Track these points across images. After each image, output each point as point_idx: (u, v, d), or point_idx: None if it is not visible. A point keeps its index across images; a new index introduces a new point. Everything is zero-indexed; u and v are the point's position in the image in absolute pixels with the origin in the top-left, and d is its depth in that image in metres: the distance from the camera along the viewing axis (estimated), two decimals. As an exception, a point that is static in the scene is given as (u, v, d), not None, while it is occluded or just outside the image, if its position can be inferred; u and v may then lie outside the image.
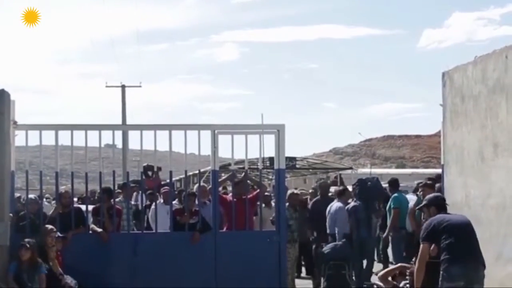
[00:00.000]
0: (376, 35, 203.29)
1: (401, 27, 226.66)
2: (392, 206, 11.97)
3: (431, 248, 7.07)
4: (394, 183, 12.74)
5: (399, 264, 8.09)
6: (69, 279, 9.13)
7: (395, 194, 12.30)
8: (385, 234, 12.53)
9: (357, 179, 13.40)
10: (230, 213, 10.09)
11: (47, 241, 9.10)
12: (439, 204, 7.50)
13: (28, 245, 8.71)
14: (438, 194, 8.44)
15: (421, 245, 7.18)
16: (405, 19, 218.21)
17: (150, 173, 12.68)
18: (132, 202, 11.84)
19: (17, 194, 11.88)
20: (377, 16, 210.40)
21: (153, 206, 11.17)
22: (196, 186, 11.31)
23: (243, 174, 11.19)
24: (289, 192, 11.63)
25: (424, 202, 7.75)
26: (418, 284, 7.08)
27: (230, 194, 11.03)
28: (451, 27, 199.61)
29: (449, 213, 7.51)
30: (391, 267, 8.42)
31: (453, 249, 6.94)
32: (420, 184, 11.42)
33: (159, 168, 13.44)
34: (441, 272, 6.96)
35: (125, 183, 11.39)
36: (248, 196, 10.26)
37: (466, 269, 6.92)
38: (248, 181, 11.12)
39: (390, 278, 7.88)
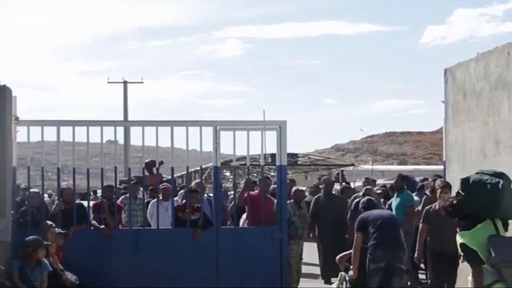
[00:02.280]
0: (379, 31, 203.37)
1: (404, 23, 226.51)
2: (407, 204, 11.48)
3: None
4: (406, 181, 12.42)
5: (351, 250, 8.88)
6: (69, 275, 9.14)
7: (407, 192, 12.13)
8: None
9: (360, 176, 13.28)
10: (256, 209, 10.10)
11: (47, 237, 9.10)
12: (369, 206, 9.22)
13: (43, 245, 8.74)
14: (369, 198, 9.83)
15: (355, 235, 8.82)
16: (408, 15, 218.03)
17: (154, 169, 12.71)
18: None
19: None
20: (380, 13, 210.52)
21: (151, 203, 11.15)
22: (195, 182, 11.29)
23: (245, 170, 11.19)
24: (294, 188, 11.64)
25: (361, 206, 9.33)
26: (355, 267, 8.67)
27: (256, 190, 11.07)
28: (454, 23, 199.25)
29: (376, 210, 9.29)
30: (347, 252, 9.08)
31: (376, 237, 8.53)
32: (440, 186, 10.47)
33: (161, 162, 13.45)
34: (367, 256, 8.54)
35: (129, 179, 11.39)
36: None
37: (387, 252, 8.46)
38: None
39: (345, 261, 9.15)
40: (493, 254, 5.57)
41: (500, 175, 5.96)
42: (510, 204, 5.84)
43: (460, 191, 6.10)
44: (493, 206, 5.77)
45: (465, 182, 6.04)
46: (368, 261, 8.56)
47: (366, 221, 8.77)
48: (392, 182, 13.11)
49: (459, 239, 5.88)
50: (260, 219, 10.12)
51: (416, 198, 11.88)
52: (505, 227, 5.85)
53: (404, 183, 12.04)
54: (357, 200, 11.59)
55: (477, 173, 6.02)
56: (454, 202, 6.12)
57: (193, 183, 11.14)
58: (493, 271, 5.62)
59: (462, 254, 5.90)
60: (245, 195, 10.58)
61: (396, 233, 8.71)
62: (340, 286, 8.88)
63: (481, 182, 5.89)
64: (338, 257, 9.24)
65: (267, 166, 24.92)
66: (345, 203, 12.63)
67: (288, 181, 11.59)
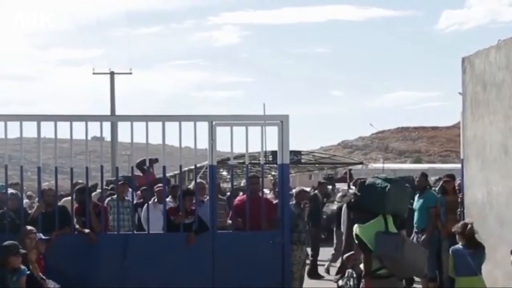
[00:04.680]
0: (390, 16, 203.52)
1: (418, 7, 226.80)
2: (430, 205, 11.54)
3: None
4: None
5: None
6: (51, 284, 9.12)
7: (431, 191, 12.08)
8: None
9: (370, 175, 13.28)
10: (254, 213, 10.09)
11: (26, 243, 9.08)
12: None
13: (18, 252, 8.70)
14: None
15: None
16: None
17: (146, 168, 12.72)
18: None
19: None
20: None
21: (145, 206, 11.14)
22: (195, 182, 11.27)
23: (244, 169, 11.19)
24: (297, 189, 11.62)
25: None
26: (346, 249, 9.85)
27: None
28: (473, 7, 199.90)
29: None
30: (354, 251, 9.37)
31: None
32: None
33: (155, 160, 13.41)
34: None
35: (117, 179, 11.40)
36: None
37: None
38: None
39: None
40: (377, 247, 7.45)
41: (391, 180, 7.77)
42: (396, 205, 7.68)
43: (357, 191, 8.48)
44: (380, 205, 7.61)
45: (361, 184, 8.27)
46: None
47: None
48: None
49: (355, 230, 7.73)
50: (259, 223, 10.10)
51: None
52: (395, 223, 7.71)
53: (427, 182, 12.08)
54: None
55: (372, 178, 7.89)
56: (353, 200, 8.30)
57: (193, 183, 11.10)
58: (379, 260, 7.50)
59: (356, 242, 7.77)
60: (236, 201, 10.62)
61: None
62: (348, 282, 9.16)
63: (373, 185, 7.74)
64: (345, 256, 9.40)
65: (267, 165, 24.98)
66: None
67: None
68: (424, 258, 7.68)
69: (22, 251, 8.77)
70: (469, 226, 8.70)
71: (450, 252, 8.92)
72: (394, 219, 7.77)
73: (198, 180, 11.64)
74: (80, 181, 10.92)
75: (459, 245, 8.75)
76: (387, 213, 7.72)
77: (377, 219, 7.69)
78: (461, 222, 9.10)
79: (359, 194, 8.14)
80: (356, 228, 7.78)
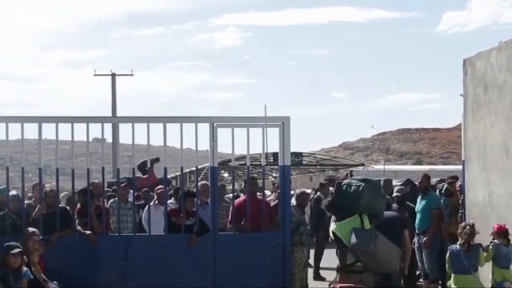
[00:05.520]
0: (392, 18, 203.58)
1: (419, 9, 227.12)
2: (433, 207, 11.46)
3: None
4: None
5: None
6: (53, 285, 9.14)
7: (433, 193, 12.06)
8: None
9: (371, 176, 13.29)
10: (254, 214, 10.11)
11: (28, 245, 9.08)
12: None
13: (17, 253, 8.69)
14: None
15: None
16: (424, 0, 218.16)
17: (147, 169, 12.71)
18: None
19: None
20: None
21: (146, 207, 11.14)
22: (200, 183, 11.26)
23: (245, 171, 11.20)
24: (298, 191, 11.62)
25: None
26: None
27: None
28: (474, 9, 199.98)
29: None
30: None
31: None
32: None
33: (156, 160, 13.38)
34: None
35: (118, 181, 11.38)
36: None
37: None
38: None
39: None
40: (352, 242, 7.98)
41: (366, 180, 8.32)
42: (370, 204, 8.18)
43: (334, 192, 8.92)
44: (355, 204, 8.15)
45: (338, 185, 8.58)
46: None
47: None
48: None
49: (331, 228, 8.35)
50: (260, 224, 10.11)
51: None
52: (371, 221, 8.20)
53: (429, 183, 12.03)
54: None
55: (349, 179, 8.48)
56: (330, 200, 8.77)
57: (199, 184, 11.09)
58: (353, 254, 8.05)
59: (332, 238, 8.47)
60: (235, 202, 10.63)
61: (393, 232, 9.16)
62: None
63: (348, 185, 8.27)
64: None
65: (268, 167, 25.01)
66: None
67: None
68: (397, 255, 8.23)
69: (19, 249, 8.72)
70: (467, 227, 9.10)
71: (448, 250, 9.33)
72: (370, 218, 8.28)
73: (203, 181, 11.64)
74: (96, 181, 10.90)
75: (457, 245, 9.19)
76: (362, 212, 8.22)
77: (353, 218, 8.20)
78: (463, 223, 9.47)
79: (335, 194, 8.61)
80: (332, 225, 8.34)
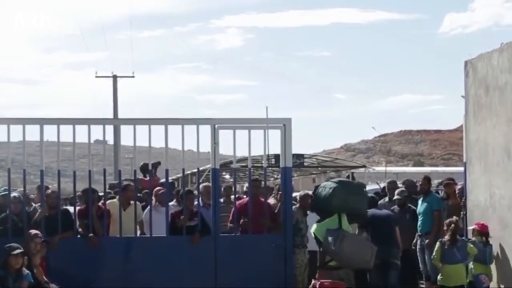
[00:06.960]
0: (394, 20, 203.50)
1: (421, 11, 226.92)
2: (434, 208, 11.41)
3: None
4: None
5: None
6: (54, 287, 9.14)
7: (434, 194, 12.03)
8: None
9: (372, 178, 13.28)
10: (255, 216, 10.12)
11: (30, 247, 9.08)
12: (370, 205, 10.29)
13: (19, 254, 8.69)
14: (372, 196, 11.44)
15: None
16: (426, 2, 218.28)
17: (151, 171, 12.71)
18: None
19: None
20: None
21: (147, 209, 11.12)
22: (202, 185, 11.25)
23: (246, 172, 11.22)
24: (302, 193, 11.62)
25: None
26: None
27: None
28: (476, 10, 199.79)
29: (373, 209, 10.43)
30: None
31: (371, 234, 9.95)
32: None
33: (158, 164, 13.38)
34: None
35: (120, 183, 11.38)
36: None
37: (381, 249, 9.36)
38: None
39: None
40: (323, 242, 8.71)
41: (340, 182, 8.99)
42: (344, 204, 8.76)
43: (312, 193, 9.83)
44: (327, 204, 8.80)
45: (316, 187, 9.40)
46: None
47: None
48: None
49: (311, 229, 9.15)
50: (261, 225, 10.11)
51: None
52: (355, 221, 8.96)
53: (430, 185, 12.02)
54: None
55: (326, 181, 9.16)
56: (310, 201, 9.75)
57: (201, 186, 11.09)
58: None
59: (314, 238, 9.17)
60: (237, 204, 10.66)
61: (389, 231, 10.23)
62: None
63: (323, 187, 8.93)
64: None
65: (270, 168, 24.96)
66: None
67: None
68: (370, 252, 8.78)
69: (20, 250, 8.71)
70: (452, 225, 9.94)
71: (438, 242, 10.06)
72: (353, 218, 9.01)
73: (206, 183, 11.63)
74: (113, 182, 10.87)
75: (446, 238, 9.97)
76: (337, 212, 8.82)
77: (332, 218, 8.84)
78: (448, 220, 10.21)
79: (313, 196, 9.39)
80: (314, 226, 9.08)
